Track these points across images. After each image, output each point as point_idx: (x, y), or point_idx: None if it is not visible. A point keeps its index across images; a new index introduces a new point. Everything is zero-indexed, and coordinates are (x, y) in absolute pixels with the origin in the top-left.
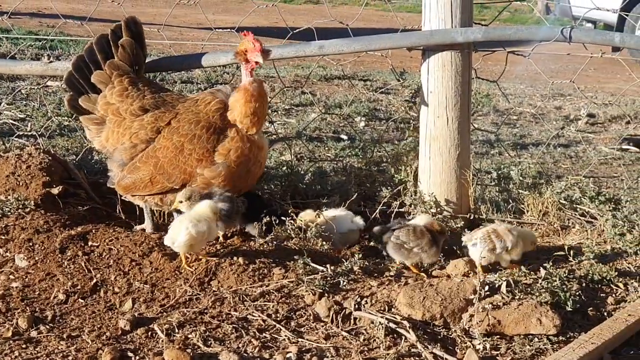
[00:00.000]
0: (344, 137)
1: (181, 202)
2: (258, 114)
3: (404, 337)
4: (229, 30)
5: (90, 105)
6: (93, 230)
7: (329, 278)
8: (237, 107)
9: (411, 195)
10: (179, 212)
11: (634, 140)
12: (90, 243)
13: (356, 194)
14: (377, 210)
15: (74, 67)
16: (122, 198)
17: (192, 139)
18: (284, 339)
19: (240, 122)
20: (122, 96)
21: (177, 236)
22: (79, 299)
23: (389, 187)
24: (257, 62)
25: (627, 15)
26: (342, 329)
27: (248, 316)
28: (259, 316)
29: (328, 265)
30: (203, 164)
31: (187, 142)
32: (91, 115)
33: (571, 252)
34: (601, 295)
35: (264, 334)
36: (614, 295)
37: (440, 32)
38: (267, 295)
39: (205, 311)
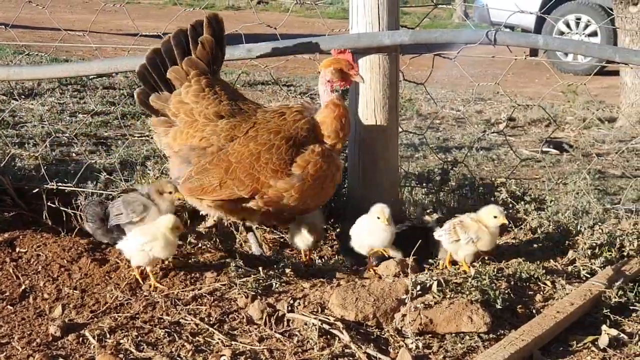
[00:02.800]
0: None
1: None
2: (345, 130)
3: (337, 338)
4: (153, 36)
5: (160, 104)
6: (20, 237)
7: (261, 281)
8: (326, 122)
9: (342, 197)
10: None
11: (553, 142)
12: (17, 249)
13: None
14: None
15: (148, 60)
16: (49, 204)
17: (270, 149)
18: (217, 343)
19: (328, 137)
20: (198, 97)
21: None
22: (8, 306)
23: None
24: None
25: (547, 16)
26: (275, 331)
27: (180, 320)
28: (192, 320)
29: (260, 268)
30: (278, 175)
31: (265, 151)
32: (160, 117)
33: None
34: (529, 293)
35: (197, 338)
36: (542, 292)
37: (367, 35)
38: (199, 299)
39: (137, 316)
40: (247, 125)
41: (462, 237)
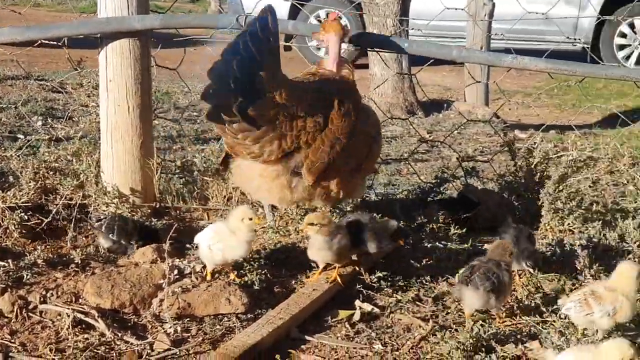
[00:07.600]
0: (21, 136)
1: None
2: None
3: (93, 327)
4: None
5: None
6: None
7: (11, 273)
8: None
9: (94, 186)
10: None
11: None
12: None
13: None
14: (60, 204)
15: None
16: None
17: None
18: None
19: None
20: None
21: None
22: None
23: (71, 179)
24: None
25: (300, 6)
26: (28, 324)
27: None
28: None
29: (10, 260)
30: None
31: None
32: None
33: None
34: (288, 273)
35: None
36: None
37: (117, 19)
38: None
39: None
40: None
41: None
